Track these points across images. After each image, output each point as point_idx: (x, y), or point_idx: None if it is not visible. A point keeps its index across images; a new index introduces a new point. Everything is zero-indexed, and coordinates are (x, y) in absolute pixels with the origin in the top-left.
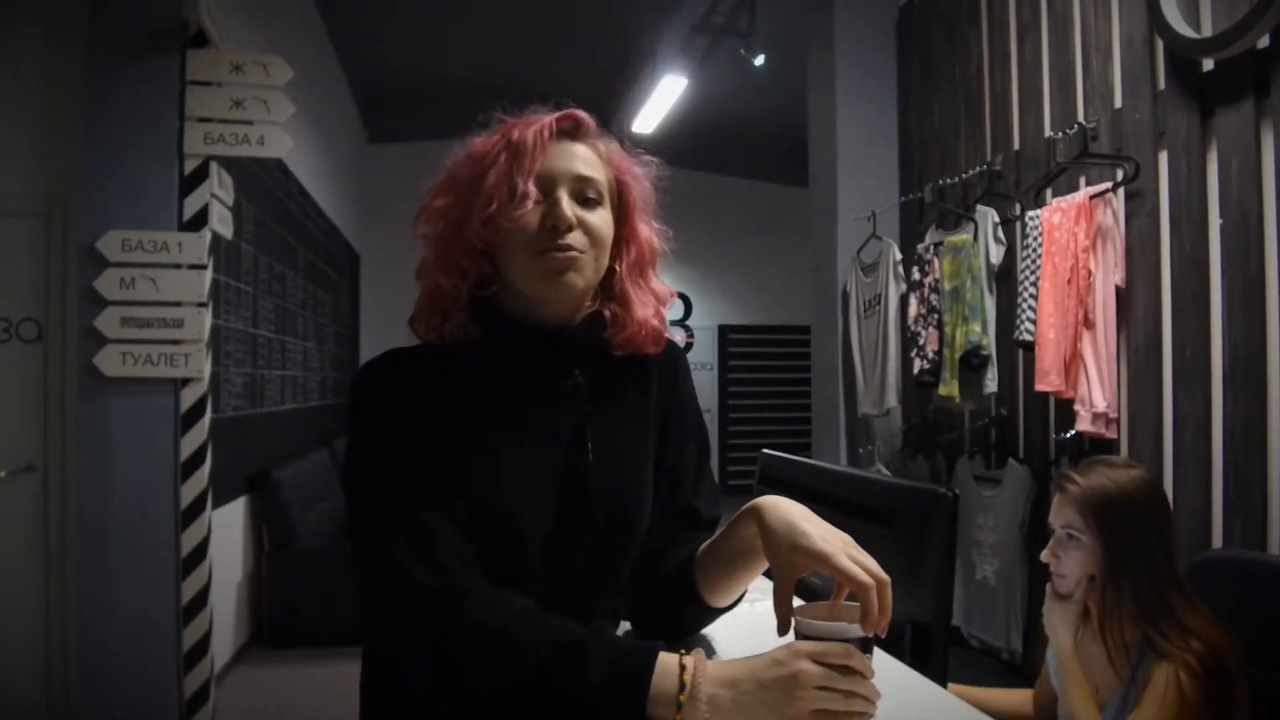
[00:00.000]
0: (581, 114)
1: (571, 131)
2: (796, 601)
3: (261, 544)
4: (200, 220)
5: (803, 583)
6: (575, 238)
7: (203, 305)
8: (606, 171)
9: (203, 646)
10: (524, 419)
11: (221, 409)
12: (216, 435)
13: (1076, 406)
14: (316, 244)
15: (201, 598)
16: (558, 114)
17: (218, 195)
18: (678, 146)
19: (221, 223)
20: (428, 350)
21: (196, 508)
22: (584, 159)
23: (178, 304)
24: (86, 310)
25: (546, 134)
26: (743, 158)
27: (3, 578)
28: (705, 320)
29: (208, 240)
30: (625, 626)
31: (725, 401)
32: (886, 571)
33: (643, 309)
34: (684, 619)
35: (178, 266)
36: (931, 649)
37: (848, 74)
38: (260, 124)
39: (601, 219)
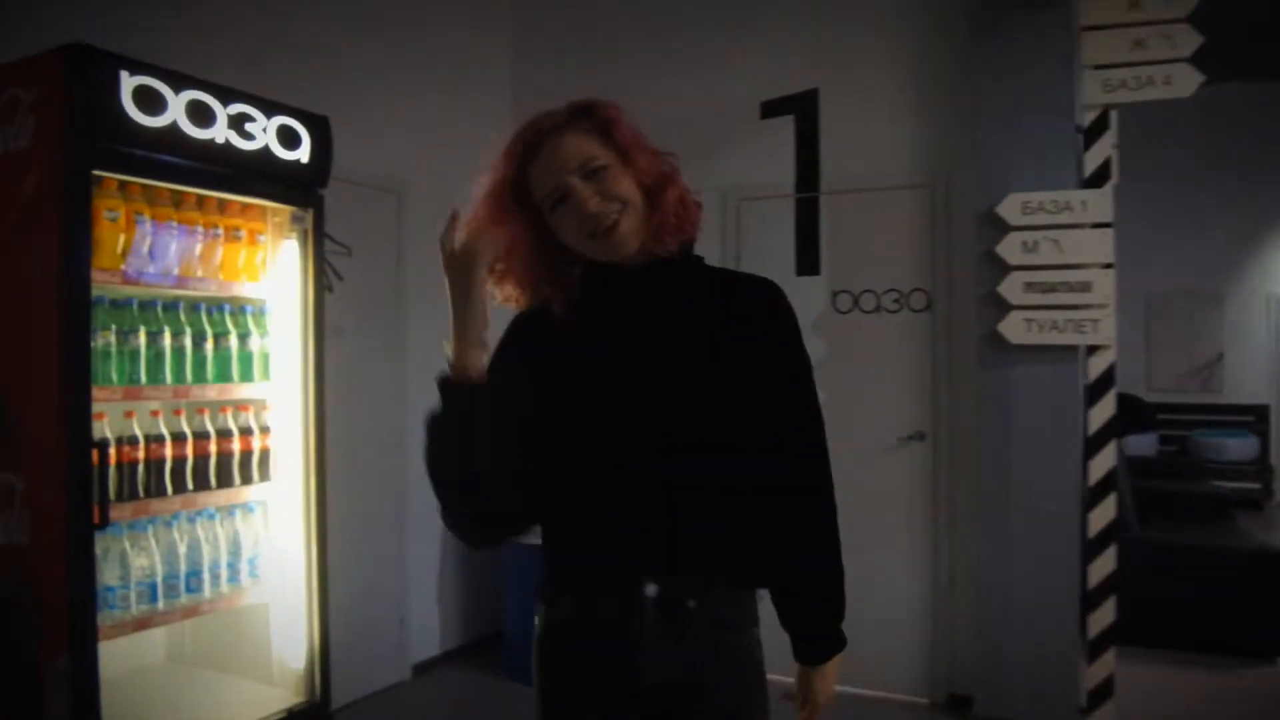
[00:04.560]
0: (534, 126)
1: (548, 133)
2: None
3: None
4: (1103, 175)
5: None
6: (600, 205)
7: (1108, 266)
8: (594, 136)
9: (1109, 636)
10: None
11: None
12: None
13: None
14: None
15: (1109, 583)
16: (516, 143)
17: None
18: None
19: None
20: None
21: (1105, 485)
22: (570, 147)
23: (1081, 266)
24: (984, 277)
25: (518, 160)
26: None
27: (888, 537)
28: None
29: (1110, 196)
30: None
31: None
32: None
33: (666, 204)
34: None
35: (1080, 226)
36: None
37: None
38: (1164, 63)
39: (612, 178)
